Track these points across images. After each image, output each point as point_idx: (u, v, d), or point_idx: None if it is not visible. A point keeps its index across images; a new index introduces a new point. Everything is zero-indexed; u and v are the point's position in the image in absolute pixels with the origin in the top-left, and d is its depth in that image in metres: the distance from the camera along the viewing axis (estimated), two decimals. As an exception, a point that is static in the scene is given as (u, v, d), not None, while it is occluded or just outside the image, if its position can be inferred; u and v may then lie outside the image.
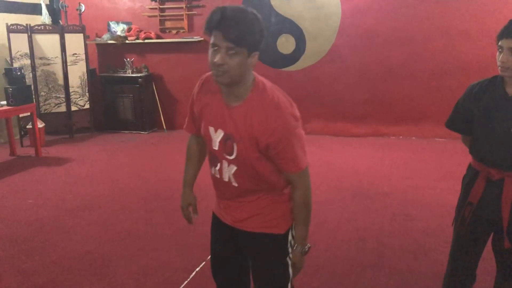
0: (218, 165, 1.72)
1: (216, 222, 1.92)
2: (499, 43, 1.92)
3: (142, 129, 7.39)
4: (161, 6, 7.25)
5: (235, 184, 1.71)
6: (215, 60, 1.49)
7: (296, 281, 1.92)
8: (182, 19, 7.19)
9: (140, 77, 7.23)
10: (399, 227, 3.62)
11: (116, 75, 7.44)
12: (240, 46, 1.47)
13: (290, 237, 1.79)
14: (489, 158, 2.03)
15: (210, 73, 1.66)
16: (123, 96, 7.36)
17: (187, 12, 7.13)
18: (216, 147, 1.68)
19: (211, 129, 1.69)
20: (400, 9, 6.31)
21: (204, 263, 3.09)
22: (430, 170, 5.04)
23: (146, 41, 7.24)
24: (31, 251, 3.35)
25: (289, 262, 1.80)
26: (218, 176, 1.75)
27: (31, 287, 2.87)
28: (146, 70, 7.41)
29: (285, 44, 6.82)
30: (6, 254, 3.31)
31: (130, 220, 3.88)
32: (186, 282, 2.89)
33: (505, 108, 1.96)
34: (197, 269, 3.03)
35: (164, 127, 7.50)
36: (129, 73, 7.35)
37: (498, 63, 1.93)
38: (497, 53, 1.94)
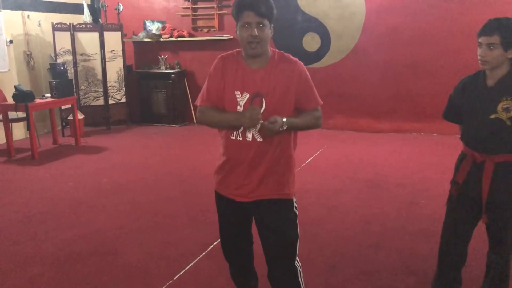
0: (242, 127, 1.98)
1: (224, 201, 2.16)
2: (479, 40, 2.18)
3: (173, 123, 7.82)
4: (193, 6, 7.65)
5: (260, 140, 1.99)
6: (252, 33, 1.89)
7: (299, 257, 2.18)
8: (213, 18, 7.57)
9: (173, 73, 7.66)
10: (405, 214, 3.85)
11: (150, 71, 7.90)
12: (267, 19, 1.92)
13: (294, 202, 2.13)
14: (473, 142, 2.28)
15: (225, 54, 2.09)
16: (157, 91, 7.82)
17: (217, 12, 7.50)
18: (241, 109, 1.97)
19: (237, 93, 1.99)
20: (423, 8, 6.45)
21: (218, 240, 3.42)
22: (445, 164, 5.18)
23: (179, 39, 7.66)
24: (70, 225, 3.78)
25: (297, 224, 2.12)
26: (240, 138, 2.00)
27: (69, 253, 3.29)
28: (178, 66, 7.83)
29: (311, 42, 7.08)
30: (49, 226, 3.75)
31: (158, 201, 4.27)
32: (204, 253, 3.24)
33: (485, 98, 2.21)
34: (215, 243, 3.37)
35: (195, 120, 7.89)
36: (162, 69, 7.79)
37: (478, 57, 2.18)
38: (478, 49, 2.19)
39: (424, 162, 5.34)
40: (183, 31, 7.68)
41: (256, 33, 1.90)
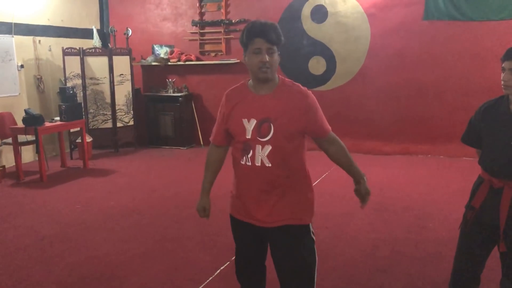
0: (251, 151, 2.02)
1: (239, 224, 2.19)
2: (503, 65, 2.20)
3: (181, 145, 7.87)
4: (201, 31, 7.78)
5: (268, 165, 2.00)
6: (263, 59, 1.95)
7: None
8: (220, 43, 7.69)
9: (180, 96, 7.75)
10: (413, 237, 3.83)
11: (158, 94, 8.00)
12: (276, 45, 1.98)
13: (311, 227, 2.13)
14: (492, 167, 2.26)
15: (230, 88, 2.18)
16: (165, 114, 7.89)
17: (225, 36, 7.62)
18: (249, 136, 2.01)
19: (245, 120, 2.03)
20: (428, 32, 6.52)
21: (228, 263, 3.41)
22: (453, 187, 5.18)
23: (187, 63, 7.78)
24: (77, 248, 3.78)
25: (315, 250, 2.13)
26: (249, 163, 2.03)
27: (76, 277, 3.29)
28: (186, 90, 7.92)
29: (316, 65, 7.16)
30: (57, 250, 3.76)
31: (165, 225, 4.27)
32: (210, 278, 3.22)
33: (507, 123, 2.20)
34: (222, 267, 3.35)
35: (202, 143, 7.95)
36: (170, 93, 7.88)
37: (502, 82, 2.19)
38: (501, 73, 2.21)
39: (431, 184, 5.32)
40: (190, 55, 7.80)
41: (267, 58, 1.95)
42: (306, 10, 7.09)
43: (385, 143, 6.95)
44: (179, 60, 7.84)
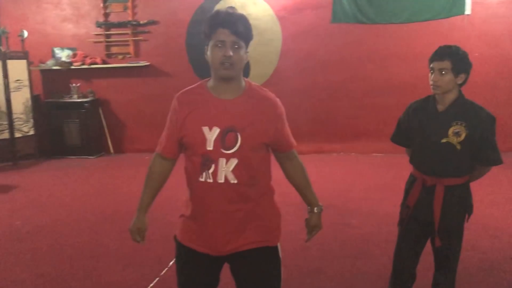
0: (213, 166, 1.74)
1: (191, 254, 1.85)
2: (431, 65, 2.27)
3: (89, 154, 7.36)
4: (106, 32, 7.35)
5: (234, 181, 1.74)
6: (226, 53, 1.68)
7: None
8: (128, 45, 7.33)
9: (86, 102, 7.26)
10: (340, 235, 3.91)
11: (61, 100, 7.41)
12: (243, 40, 1.71)
13: (279, 247, 1.91)
14: (424, 166, 2.34)
15: (182, 90, 1.86)
16: (69, 121, 7.33)
17: (133, 38, 7.27)
18: (211, 147, 1.72)
19: (205, 128, 1.73)
20: (336, 34, 6.77)
21: (157, 279, 3.21)
22: (369, 183, 5.41)
23: (92, 66, 7.30)
24: (-20, 278, 3.33)
25: (281, 270, 1.90)
26: (210, 180, 1.74)
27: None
28: (92, 95, 7.44)
29: (230, 67, 7.09)
30: (-46, 282, 3.28)
31: (82, 242, 3.93)
32: (140, 297, 3.01)
33: (436, 122, 2.29)
34: (151, 284, 3.15)
35: (112, 150, 7.52)
36: (75, 98, 7.34)
37: (431, 82, 2.26)
38: (429, 74, 2.28)
39: (348, 181, 5.51)
40: (96, 58, 7.33)
41: (231, 53, 1.68)
42: (217, 12, 7.00)
43: (300, 143, 6.96)
44: (83, 64, 7.33)
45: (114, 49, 7.44)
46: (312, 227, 1.99)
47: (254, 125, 1.75)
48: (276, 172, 1.96)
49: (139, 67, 7.27)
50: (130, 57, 7.37)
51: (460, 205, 2.32)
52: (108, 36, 7.39)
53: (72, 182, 5.96)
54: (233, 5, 6.95)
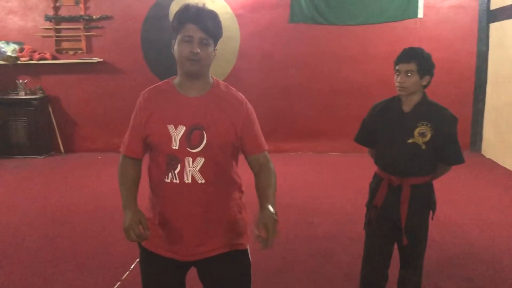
0: (179, 166, 1.68)
1: (155, 259, 1.79)
2: (397, 67, 2.29)
3: (37, 154, 7.00)
4: (56, 27, 7.02)
5: (201, 181, 1.69)
6: (193, 49, 1.64)
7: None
8: (80, 40, 7.03)
9: (34, 99, 6.90)
10: (303, 234, 3.91)
11: (7, 97, 7.00)
12: (211, 37, 1.68)
13: (248, 249, 1.86)
14: (390, 166, 2.37)
15: (149, 88, 1.79)
16: (16, 119, 6.95)
17: (85, 33, 6.99)
18: (176, 146, 1.68)
19: (170, 127, 1.69)
20: (294, 35, 6.80)
21: (119, 283, 3.09)
22: (327, 182, 5.47)
23: (41, 62, 6.95)
24: None
25: (251, 274, 1.85)
26: (176, 180, 1.69)
27: None
28: (41, 92, 7.08)
29: (187, 65, 6.97)
30: None
31: (35, 248, 3.71)
32: (100, 303, 2.88)
33: (402, 123, 2.32)
34: (111, 289, 3.02)
35: (62, 150, 7.20)
36: (22, 95, 6.94)
37: (397, 84, 2.29)
38: (395, 76, 2.30)
39: (307, 180, 5.55)
40: (45, 54, 6.98)
41: (198, 49, 1.64)
42: (174, 8, 6.83)
43: (258, 142, 7.06)
44: (31, 59, 6.95)
45: (65, 44, 7.11)
46: (268, 224, 1.57)
47: (219, 123, 1.71)
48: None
49: (91, 64, 7.00)
50: (82, 53, 7.07)
51: (426, 203, 2.37)
52: (58, 30, 7.06)
53: (20, 183, 5.64)
54: (190, 1, 6.91)
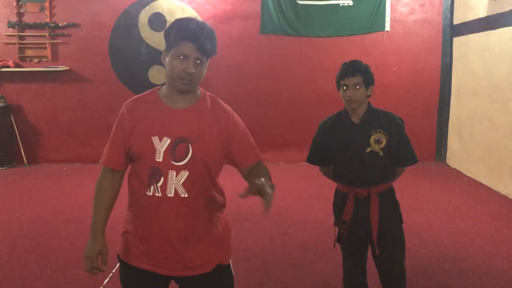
0: (162, 179, 1.65)
1: (136, 273, 1.74)
2: (343, 82, 2.32)
3: (-1, 165, 6.73)
4: (20, 34, 6.79)
5: (184, 195, 1.66)
6: (187, 69, 1.61)
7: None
8: (45, 48, 6.83)
9: (-5, 108, 6.64)
10: (279, 245, 3.90)
11: (-34, 106, 6.71)
12: (207, 57, 1.66)
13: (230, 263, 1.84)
14: (354, 179, 2.38)
15: (133, 98, 1.74)
16: (-25, 129, 6.66)
17: (50, 41, 6.79)
18: (160, 159, 1.64)
19: (155, 139, 1.65)
20: (264, 45, 6.85)
21: (91, 299, 2.98)
22: (299, 192, 5.49)
23: (3, 69, 6.69)
24: None
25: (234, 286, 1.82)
26: (158, 194, 1.65)
27: None
28: (3, 100, 6.82)
29: (157, 75, 6.88)
30: None
31: (0, 264, 3.54)
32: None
33: (356, 134, 2.35)
34: (85, 306, 2.91)
35: (25, 161, 6.93)
36: (-18, 104, 6.68)
37: (346, 98, 2.32)
38: (341, 91, 2.34)
39: (279, 190, 5.49)
40: (8, 61, 6.72)
41: (193, 70, 1.61)
42: (144, 18, 6.77)
43: (228, 152, 7.03)
44: (-8, 66, 6.71)
45: (29, 52, 6.89)
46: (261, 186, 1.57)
47: (206, 135, 1.68)
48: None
49: (57, 72, 6.81)
50: (47, 61, 6.87)
51: (393, 206, 2.43)
52: (22, 37, 6.83)
53: (-19, 196, 5.39)
54: (160, 11, 6.86)
